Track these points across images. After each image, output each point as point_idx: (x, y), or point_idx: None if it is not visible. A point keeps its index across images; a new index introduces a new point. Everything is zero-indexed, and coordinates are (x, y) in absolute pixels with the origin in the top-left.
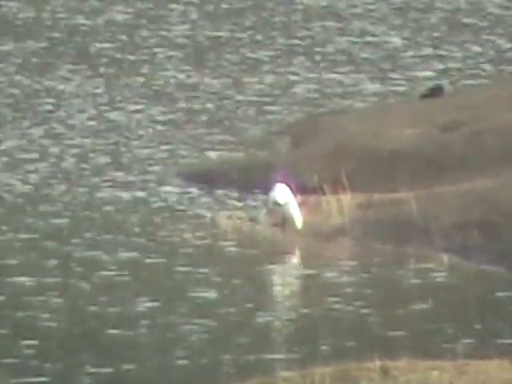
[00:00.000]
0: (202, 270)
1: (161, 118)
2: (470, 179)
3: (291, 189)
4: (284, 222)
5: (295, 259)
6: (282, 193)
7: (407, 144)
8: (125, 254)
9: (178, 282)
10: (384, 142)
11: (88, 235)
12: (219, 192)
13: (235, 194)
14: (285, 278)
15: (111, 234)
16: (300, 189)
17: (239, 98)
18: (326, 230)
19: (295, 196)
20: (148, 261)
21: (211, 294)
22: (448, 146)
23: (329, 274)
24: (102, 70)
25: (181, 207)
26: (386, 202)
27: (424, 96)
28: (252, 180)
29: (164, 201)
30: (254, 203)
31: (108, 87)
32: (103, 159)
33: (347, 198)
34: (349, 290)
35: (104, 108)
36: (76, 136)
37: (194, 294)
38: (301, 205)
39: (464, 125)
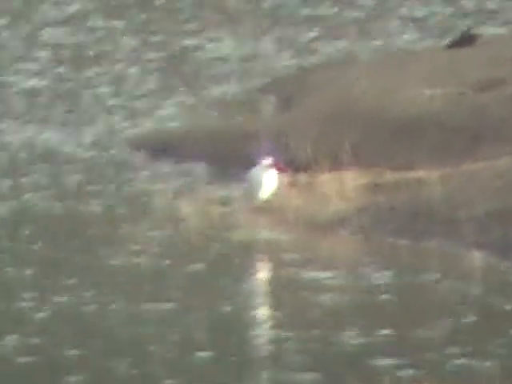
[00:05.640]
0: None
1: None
2: None
3: (277, 165)
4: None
5: (277, 261)
6: (265, 170)
7: (429, 108)
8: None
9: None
10: (399, 104)
11: None
12: (181, 168)
13: (203, 171)
14: (263, 286)
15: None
16: (289, 164)
17: (210, 46)
18: (323, 219)
19: (283, 174)
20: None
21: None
22: (483, 111)
23: (324, 281)
24: None
25: (133, 186)
26: (401, 182)
27: (452, 45)
28: (226, 153)
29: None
30: (228, 182)
31: None
32: None
33: (350, 178)
34: (350, 308)
35: None
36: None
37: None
38: (290, 185)
39: (504, 83)
